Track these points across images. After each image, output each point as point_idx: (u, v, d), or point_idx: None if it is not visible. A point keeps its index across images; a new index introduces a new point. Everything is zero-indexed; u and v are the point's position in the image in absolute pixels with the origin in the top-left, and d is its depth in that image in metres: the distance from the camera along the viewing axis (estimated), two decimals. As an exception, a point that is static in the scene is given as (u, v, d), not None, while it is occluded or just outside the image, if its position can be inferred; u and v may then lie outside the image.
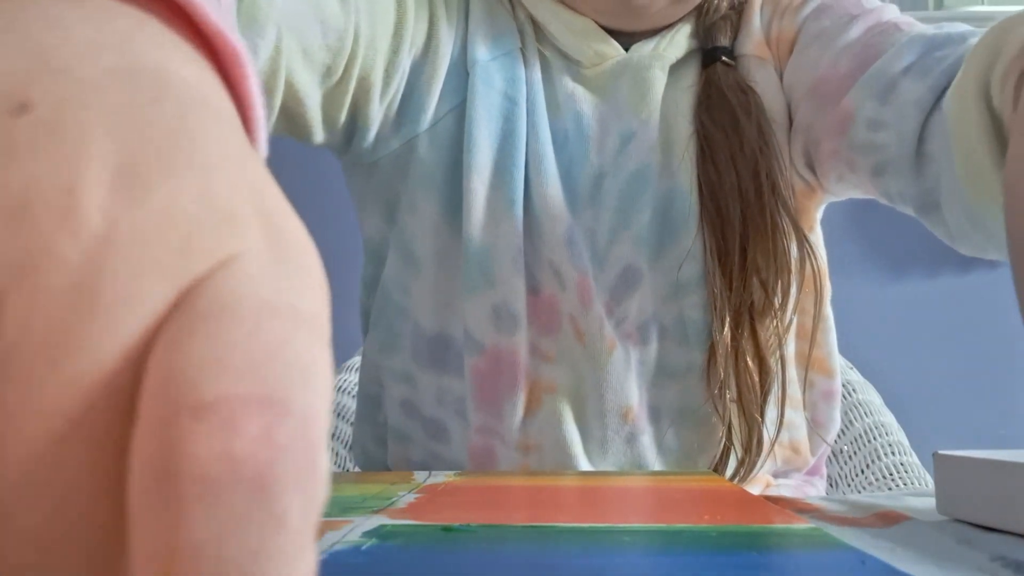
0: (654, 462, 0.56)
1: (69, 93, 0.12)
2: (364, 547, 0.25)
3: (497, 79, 0.56)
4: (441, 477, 0.43)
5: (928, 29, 0.51)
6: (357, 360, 0.89)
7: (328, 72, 0.48)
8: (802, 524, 0.28)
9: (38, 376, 0.10)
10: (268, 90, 0.43)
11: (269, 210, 0.13)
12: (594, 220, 0.56)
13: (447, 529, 0.27)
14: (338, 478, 0.47)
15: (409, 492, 0.36)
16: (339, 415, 0.87)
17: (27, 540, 0.10)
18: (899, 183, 0.50)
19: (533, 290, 0.56)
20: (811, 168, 0.58)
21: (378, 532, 0.27)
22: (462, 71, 0.57)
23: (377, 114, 0.54)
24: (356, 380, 0.87)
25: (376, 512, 0.31)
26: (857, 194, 0.58)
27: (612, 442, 0.56)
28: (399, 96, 0.55)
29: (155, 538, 0.10)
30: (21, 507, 0.10)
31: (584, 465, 0.55)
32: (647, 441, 0.56)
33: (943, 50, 0.47)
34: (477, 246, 0.54)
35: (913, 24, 0.53)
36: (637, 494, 0.38)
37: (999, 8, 1.44)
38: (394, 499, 0.34)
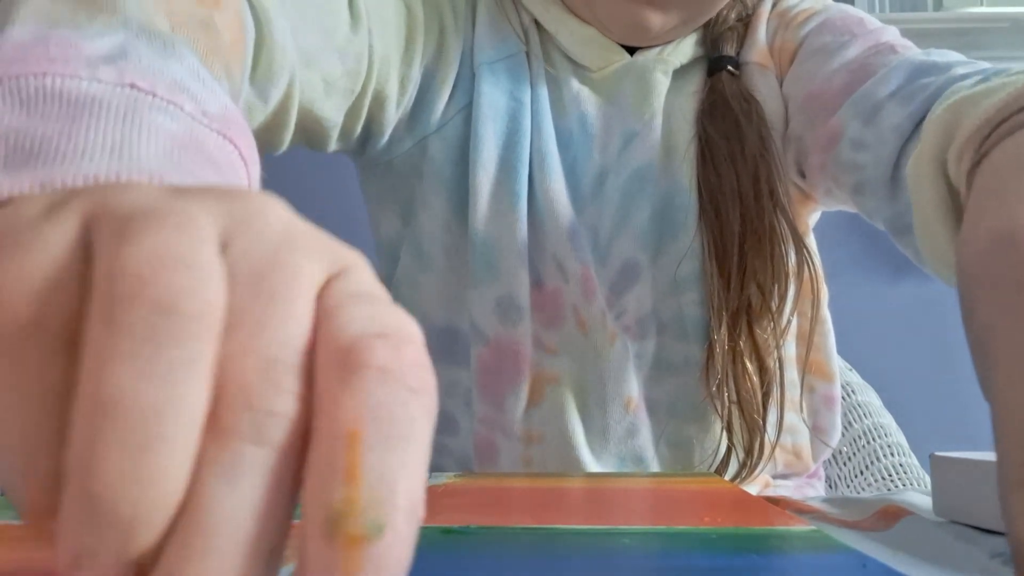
0: (653, 456, 0.57)
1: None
2: (365, 549, 0.24)
3: (503, 80, 0.58)
4: (441, 479, 0.43)
5: (917, 55, 0.52)
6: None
7: (350, 94, 0.49)
8: (803, 526, 0.28)
9: (252, 295, 0.15)
10: (279, 126, 0.45)
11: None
12: (596, 217, 0.57)
13: (447, 531, 0.27)
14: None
15: (409, 494, 0.36)
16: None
17: None
18: (875, 203, 0.51)
19: (537, 283, 0.56)
20: (802, 176, 0.59)
21: (379, 534, 0.27)
22: (469, 73, 0.58)
23: (391, 121, 0.55)
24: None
25: (377, 514, 0.30)
26: (844, 208, 0.58)
27: (613, 432, 0.56)
28: (412, 101, 0.56)
29: (338, 404, 0.14)
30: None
31: (586, 455, 0.56)
32: (647, 434, 0.57)
33: (927, 78, 0.48)
34: (482, 239, 0.56)
35: (908, 47, 0.54)
36: (637, 496, 0.38)
37: (998, 9, 1.44)
38: (394, 501, 0.34)
